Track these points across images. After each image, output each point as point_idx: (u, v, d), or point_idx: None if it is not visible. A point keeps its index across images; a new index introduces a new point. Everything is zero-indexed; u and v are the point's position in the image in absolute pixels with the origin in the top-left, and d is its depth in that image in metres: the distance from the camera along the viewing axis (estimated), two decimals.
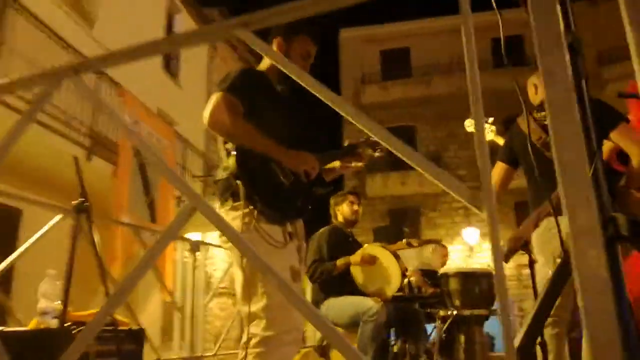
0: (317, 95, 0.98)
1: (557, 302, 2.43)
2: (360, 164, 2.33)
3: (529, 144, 2.50)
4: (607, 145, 2.50)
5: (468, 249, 16.12)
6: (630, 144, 2.29)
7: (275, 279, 0.98)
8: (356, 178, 17.24)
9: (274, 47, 2.03)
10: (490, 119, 3.19)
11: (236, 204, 1.79)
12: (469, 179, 17.52)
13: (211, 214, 1.01)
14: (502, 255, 0.79)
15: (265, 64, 2.06)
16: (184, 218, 1.04)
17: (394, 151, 0.91)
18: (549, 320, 2.45)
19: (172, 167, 8.77)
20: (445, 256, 6.08)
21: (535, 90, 2.76)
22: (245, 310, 1.73)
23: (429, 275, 5.47)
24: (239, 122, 1.78)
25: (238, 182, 1.74)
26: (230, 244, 1.82)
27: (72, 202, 2.21)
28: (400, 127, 17.35)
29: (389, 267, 3.50)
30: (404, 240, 4.52)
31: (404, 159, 0.89)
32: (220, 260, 12.58)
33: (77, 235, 2.11)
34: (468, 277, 3.37)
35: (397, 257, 3.51)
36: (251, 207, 1.75)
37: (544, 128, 2.56)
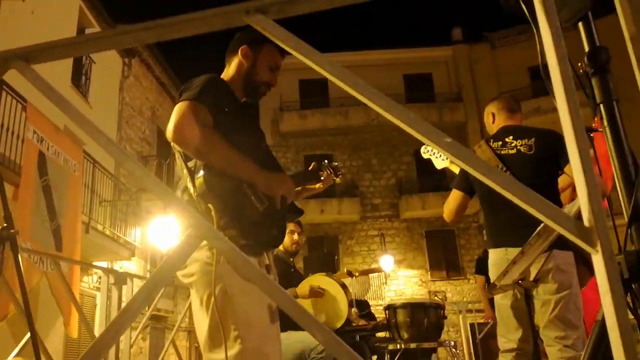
0: (377, 106, 0.79)
1: (519, 336, 2.39)
2: (319, 186, 2.16)
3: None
4: (564, 181, 2.54)
5: (383, 276, 16.35)
6: None
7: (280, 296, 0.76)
8: None
9: (239, 57, 1.82)
10: None
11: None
12: (384, 208, 17.97)
13: (222, 243, 0.78)
14: (621, 301, 0.64)
15: (227, 74, 1.84)
16: (189, 248, 0.81)
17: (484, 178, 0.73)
18: (512, 354, 2.39)
19: (78, 192, 8.04)
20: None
21: (493, 119, 2.77)
22: (213, 359, 1.46)
23: (359, 305, 5.35)
24: (210, 136, 1.53)
25: (209, 206, 1.48)
26: (193, 279, 1.55)
27: None
28: (318, 156, 17.47)
29: (337, 297, 3.32)
30: (344, 270, 4.38)
31: (497, 186, 0.72)
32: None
33: (1, 264, 1.70)
34: (417, 309, 3.27)
35: (344, 287, 3.34)
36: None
37: (500, 157, 2.55)
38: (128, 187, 11.03)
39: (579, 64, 1.18)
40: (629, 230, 1.03)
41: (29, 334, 2.27)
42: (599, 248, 0.66)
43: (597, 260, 0.66)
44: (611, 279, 0.65)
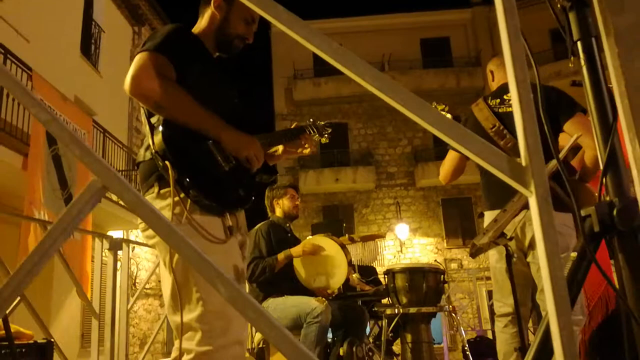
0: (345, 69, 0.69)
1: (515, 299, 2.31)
2: (306, 150, 2.06)
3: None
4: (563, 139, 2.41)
5: (399, 244, 16.33)
6: (585, 135, 2.17)
7: (217, 276, 0.69)
8: (289, 174, 16.98)
9: (212, 8, 1.71)
10: (444, 106, 3.07)
11: (163, 190, 1.44)
12: (399, 176, 17.82)
13: (129, 194, 0.70)
14: (556, 249, 0.56)
15: (199, 26, 1.74)
16: (90, 197, 0.73)
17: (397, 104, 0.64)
18: (508, 318, 2.32)
19: None
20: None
21: (492, 77, 2.64)
22: (176, 321, 1.41)
23: (365, 271, 5.31)
24: (171, 89, 1.44)
25: (166, 162, 1.40)
26: (155, 239, 1.50)
27: None
28: (332, 124, 17.28)
29: (335, 257, 3.25)
30: (346, 236, 4.32)
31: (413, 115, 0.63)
32: (144, 260, 11.88)
33: None
34: (415, 273, 3.20)
35: (342, 247, 3.28)
36: (182, 194, 1.42)
37: (498, 116, 2.43)
38: None
39: None
40: (603, 179, 0.93)
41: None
42: (532, 189, 0.57)
43: (532, 204, 0.57)
44: (545, 226, 0.56)
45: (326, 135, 2.24)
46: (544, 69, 16.44)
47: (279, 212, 3.57)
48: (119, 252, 3.20)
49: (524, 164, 0.59)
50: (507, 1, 0.64)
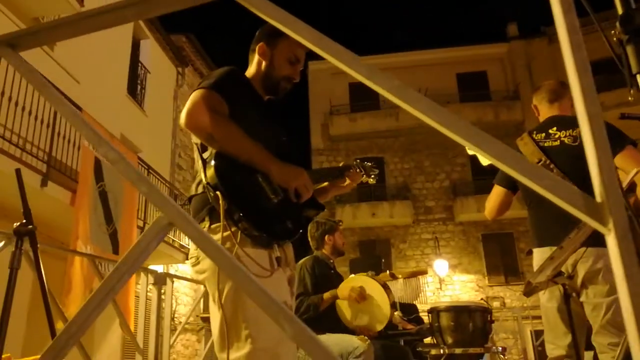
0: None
1: (568, 341, 2.20)
2: (350, 185, 2.07)
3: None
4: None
5: (438, 281, 15.95)
6: (634, 167, 2.10)
7: (280, 312, 0.68)
8: (326, 208, 16.96)
9: (257, 55, 1.78)
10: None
11: (214, 225, 1.48)
12: (438, 211, 17.55)
13: (193, 229, 0.71)
14: (638, 285, 0.53)
15: (250, 71, 1.81)
16: (156, 234, 0.74)
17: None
18: None
19: (134, 196, 8.33)
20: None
21: (537, 112, 2.60)
22: (223, 359, 1.41)
23: (406, 308, 5.18)
24: (223, 122, 1.49)
25: (217, 193, 1.43)
26: (206, 274, 1.51)
27: (14, 225, 1.82)
28: (368, 159, 17.31)
29: (378, 299, 3.19)
30: (387, 272, 4.25)
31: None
32: (182, 294, 11.96)
33: (18, 263, 1.73)
34: (461, 312, 3.10)
35: (386, 288, 3.22)
36: (234, 228, 1.44)
37: (544, 150, 2.37)
38: (182, 193, 11.33)
39: (612, 31, 1.04)
40: None
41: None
42: (611, 226, 0.55)
43: (611, 242, 0.55)
44: (627, 264, 0.54)
45: (373, 176, 2.25)
46: None
47: (327, 248, 3.53)
48: (163, 287, 3.24)
49: (599, 200, 0.57)
50: (573, 36, 0.63)
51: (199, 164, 1.56)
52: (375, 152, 18.11)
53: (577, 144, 2.29)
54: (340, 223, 3.76)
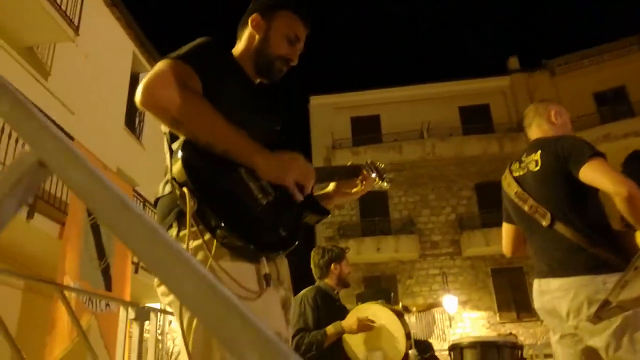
0: None
1: None
2: (361, 189, 1.71)
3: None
4: None
5: (447, 318, 15.31)
6: (601, 178, 1.84)
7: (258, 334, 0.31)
8: (328, 243, 16.52)
9: (249, 28, 1.45)
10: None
11: (184, 232, 1.09)
12: (444, 245, 17.06)
13: (79, 173, 0.36)
14: None
15: (239, 47, 1.47)
16: (18, 181, 0.38)
17: None
18: None
19: None
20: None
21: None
22: None
23: (420, 346, 4.75)
24: (192, 100, 1.13)
25: (184, 189, 1.07)
26: (170, 298, 1.14)
27: None
28: (372, 192, 16.95)
29: (392, 329, 2.77)
30: (400, 305, 3.85)
31: None
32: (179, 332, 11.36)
33: None
34: (488, 349, 2.69)
35: (400, 316, 2.81)
36: (207, 236, 1.09)
37: (517, 180, 2.18)
38: None
39: None
40: None
41: None
42: None
43: None
44: None
45: (387, 180, 1.90)
46: (591, 132, 15.87)
47: (331, 278, 3.15)
48: (146, 323, 2.85)
49: None
50: None
51: (167, 157, 1.22)
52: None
53: (538, 168, 2.09)
54: (348, 250, 3.39)
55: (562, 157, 1.99)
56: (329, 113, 19.38)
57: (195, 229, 1.06)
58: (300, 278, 3.38)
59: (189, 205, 1.04)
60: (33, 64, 7.50)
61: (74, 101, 8.22)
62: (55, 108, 7.40)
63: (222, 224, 1.06)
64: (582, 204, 1.92)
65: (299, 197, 1.21)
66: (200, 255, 1.07)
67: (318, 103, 19.67)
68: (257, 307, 1.07)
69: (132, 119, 10.99)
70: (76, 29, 7.61)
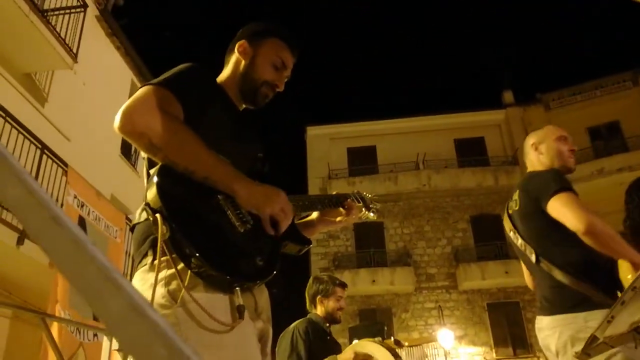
0: None
1: None
2: (349, 218, 1.68)
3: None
4: None
5: (443, 353, 15.03)
6: (564, 214, 1.84)
7: None
8: (325, 273, 16.33)
9: (236, 54, 1.45)
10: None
11: (157, 261, 1.05)
12: (440, 278, 16.90)
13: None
14: None
15: (224, 74, 1.47)
16: None
17: None
18: None
19: (120, 257, 7.87)
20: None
21: None
22: None
23: None
24: (170, 125, 1.12)
25: (157, 216, 1.04)
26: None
27: None
28: (367, 223, 16.88)
29: None
30: (392, 339, 3.76)
31: None
32: None
33: None
34: None
35: (395, 355, 2.74)
36: (181, 265, 1.05)
37: (510, 218, 2.19)
38: None
39: None
40: None
41: None
42: None
43: None
44: None
45: (374, 210, 1.87)
46: (585, 167, 15.92)
47: (320, 311, 3.09)
48: None
49: None
50: None
51: (145, 182, 1.19)
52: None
53: (518, 208, 2.12)
54: (345, 288, 3.28)
55: (534, 197, 2.02)
56: (326, 143, 19.46)
57: (168, 257, 1.03)
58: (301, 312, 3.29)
59: (161, 232, 1.01)
60: (30, 90, 7.53)
61: (70, 128, 8.23)
62: (51, 134, 7.40)
63: (197, 253, 1.02)
64: (563, 240, 1.89)
65: (270, 231, 1.18)
66: (173, 285, 1.04)
67: (315, 133, 19.78)
68: (230, 340, 1.04)
69: (129, 146, 10.98)
70: (75, 57, 7.67)
